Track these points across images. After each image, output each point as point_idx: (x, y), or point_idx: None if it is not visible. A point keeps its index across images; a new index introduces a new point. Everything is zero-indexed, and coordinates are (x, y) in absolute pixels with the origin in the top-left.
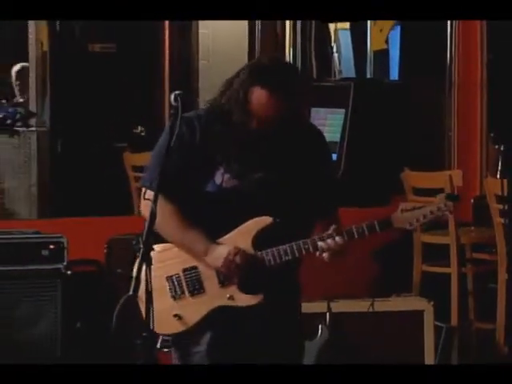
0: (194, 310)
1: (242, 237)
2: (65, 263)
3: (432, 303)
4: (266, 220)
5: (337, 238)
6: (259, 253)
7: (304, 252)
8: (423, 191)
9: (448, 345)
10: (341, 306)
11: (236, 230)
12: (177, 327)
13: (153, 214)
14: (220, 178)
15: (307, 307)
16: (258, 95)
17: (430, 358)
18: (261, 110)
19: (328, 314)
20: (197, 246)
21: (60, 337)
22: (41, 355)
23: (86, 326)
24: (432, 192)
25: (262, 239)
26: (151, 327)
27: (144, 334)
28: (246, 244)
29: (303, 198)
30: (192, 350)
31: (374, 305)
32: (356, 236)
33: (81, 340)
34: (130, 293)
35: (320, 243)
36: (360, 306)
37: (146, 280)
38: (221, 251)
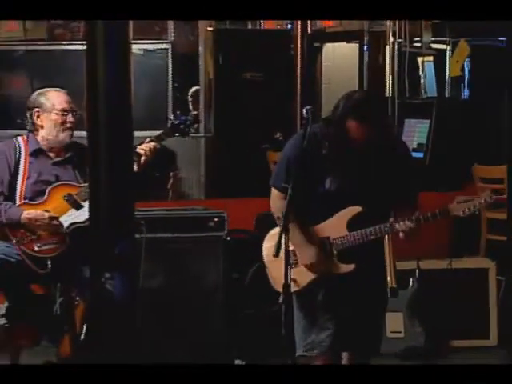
0: (305, 275)
1: (339, 221)
2: (225, 232)
3: (495, 262)
4: (357, 209)
5: (407, 222)
6: (351, 233)
7: (384, 233)
8: (488, 180)
9: (507, 293)
10: (427, 264)
11: (335, 216)
12: (292, 287)
13: (291, 198)
14: (329, 183)
15: (402, 265)
16: (353, 124)
17: (493, 303)
18: (355, 135)
19: (417, 270)
20: (295, 238)
21: (222, 286)
22: (207, 301)
23: (239, 277)
24: (494, 181)
25: (353, 222)
26: (288, 280)
27: (284, 284)
28: (341, 226)
29: (387, 195)
30: (309, 299)
31: (452, 263)
32: (422, 221)
33: (237, 288)
34: (265, 255)
35: (396, 225)
36: (441, 264)
37: (285, 244)
38: (308, 252)
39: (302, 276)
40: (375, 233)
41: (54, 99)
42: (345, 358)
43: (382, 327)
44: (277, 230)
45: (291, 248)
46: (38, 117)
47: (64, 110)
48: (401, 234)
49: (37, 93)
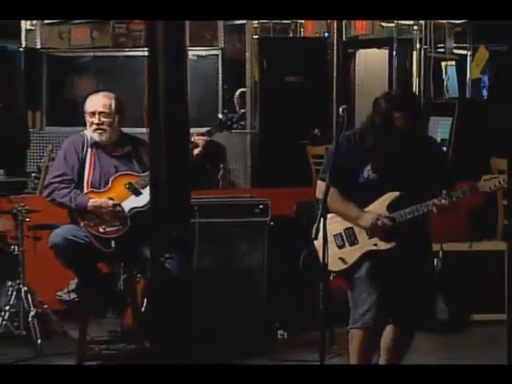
0: (352, 254)
1: (380, 205)
2: (269, 217)
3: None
4: (395, 194)
5: (442, 200)
6: (391, 214)
7: (420, 211)
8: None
9: None
10: (449, 246)
11: (376, 201)
12: (340, 266)
13: (327, 187)
14: (367, 173)
15: None
16: (393, 117)
17: (510, 280)
18: (395, 127)
19: (441, 251)
20: (352, 213)
21: (265, 264)
22: (253, 278)
23: (281, 257)
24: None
25: (393, 206)
26: (326, 260)
27: (321, 262)
28: (382, 209)
29: (421, 181)
30: (354, 276)
31: (472, 246)
32: (454, 198)
33: (279, 269)
34: (313, 236)
35: (431, 203)
36: (462, 246)
37: (324, 227)
38: (368, 216)
39: (350, 255)
40: (412, 212)
41: (88, 103)
42: (389, 331)
43: (428, 300)
44: (330, 215)
45: (338, 232)
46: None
47: (91, 113)
48: (434, 209)
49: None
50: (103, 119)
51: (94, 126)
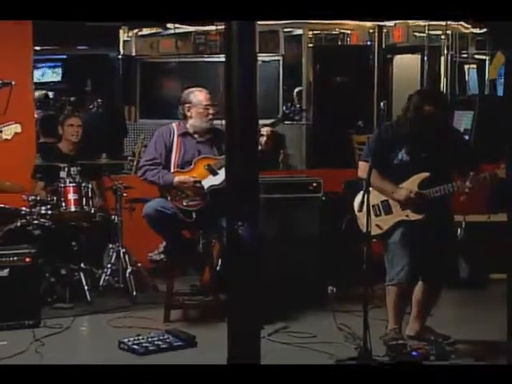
0: (386, 222)
1: (412, 183)
2: (321, 193)
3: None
4: (426, 174)
5: (467, 183)
6: (421, 191)
7: (447, 191)
8: None
9: None
10: (471, 217)
11: (410, 179)
12: (376, 231)
13: (370, 168)
14: (401, 156)
15: None
16: (426, 110)
17: None
18: (426, 117)
19: (464, 222)
20: (388, 188)
21: (318, 232)
22: (308, 244)
23: (331, 226)
24: None
25: (423, 184)
26: (369, 228)
27: (364, 230)
28: (414, 186)
29: (447, 164)
30: (389, 242)
31: (490, 217)
32: (476, 182)
33: (329, 235)
34: (356, 209)
35: (456, 185)
36: (482, 217)
37: (368, 202)
38: (402, 191)
39: (385, 222)
40: (439, 191)
41: (200, 97)
42: (419, 287)
43: (451, 262)
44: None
45: (376, 203)
46: (189, 110)
47: (207, 105)
48: (459, 189)
49: (187, 91)
50: (213, 110)
51: (210, 116)
